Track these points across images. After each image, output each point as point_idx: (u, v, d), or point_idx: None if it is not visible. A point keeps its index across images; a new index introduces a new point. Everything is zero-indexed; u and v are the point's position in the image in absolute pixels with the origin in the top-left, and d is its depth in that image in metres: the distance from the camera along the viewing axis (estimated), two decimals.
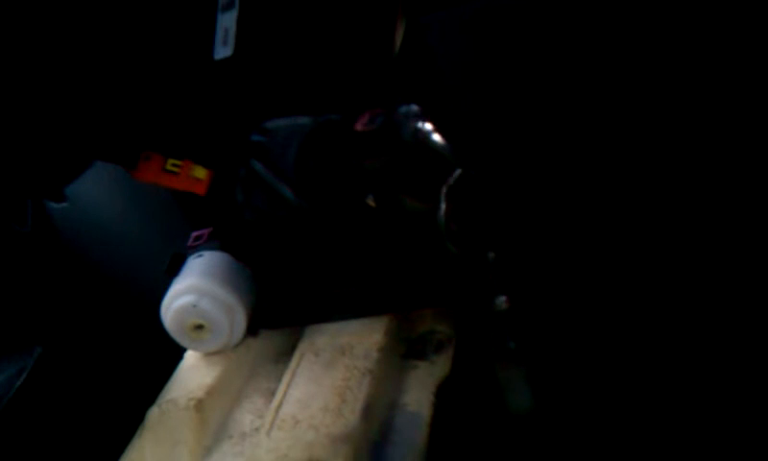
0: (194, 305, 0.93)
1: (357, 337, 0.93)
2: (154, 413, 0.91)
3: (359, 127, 0.72)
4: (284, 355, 0.97)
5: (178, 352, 0.98)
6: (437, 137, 0.68)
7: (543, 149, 0.98)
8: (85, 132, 0.84)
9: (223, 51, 0.82)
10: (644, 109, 0.99)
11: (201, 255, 0.97)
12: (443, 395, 0.87)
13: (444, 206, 0.66)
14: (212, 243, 0.98)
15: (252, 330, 0.97)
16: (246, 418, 0.91)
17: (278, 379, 0.93)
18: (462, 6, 0.99)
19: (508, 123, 0.99)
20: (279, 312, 0.98)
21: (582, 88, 0.99)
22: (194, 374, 0.95)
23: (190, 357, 0.98)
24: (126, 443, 0.92)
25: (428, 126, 0.69)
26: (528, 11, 0.98)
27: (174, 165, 0.88)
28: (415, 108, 0.70)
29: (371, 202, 0.74)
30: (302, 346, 0.95)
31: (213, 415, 0.91)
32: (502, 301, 0.68)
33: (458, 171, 0.66)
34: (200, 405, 0.90)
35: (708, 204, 0.97)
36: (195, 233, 1.00)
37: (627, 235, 0.94)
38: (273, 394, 0.92)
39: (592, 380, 0.86)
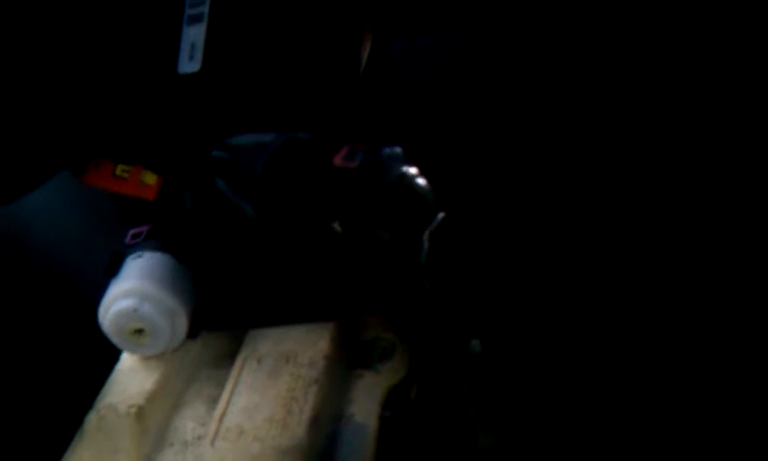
0: (135, 310, 0.90)
1: (301, 344, 0.93)
2: (92, 419, 0.89)
3: (338, 161, 0.71)
4: (225, 360, 0.95)
5: (113, 353, 0.95)
6: (422, 182, 0.68)
7: (509, 179, 0.99)
8: (47, 140, 0.80)
9: (189, 66, 0.79)
10: (618, 138, 1.00)
11: (140, 256, 0.94)
12: (390, 406, 0.87)
13: (426, 249, 0.66)
14: (152, 242, 0.95)
15: (192, 333, 0.95)
16: (188, 425, 0.90)
17: (220, 385, 0.92)
18: (430, 35, 0.99)
19: (473, 149, 1.00)
20: (221, 315, 0.97)
21: (549, 122, 1.00)
22: (133, 377, 0.93)
23: (127, 359, 0.95)
24: (62, 449, 0.89)
25: (413, 170, 0.69)
26: (496, 46, 0.99)
27: (124, 171, 0.86)
28: (399, 150, 0.70)
29: (336, 227, 0.73)
30: (244, 351, 0.94)
31: (154, 422, 0.89)
32: (476, 344, 0.69)
33: (440, 215, 0.66)
34: (140, 412, 0.88)
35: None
36: (133, 230, 0.97)
37: (608, 278, 0.96)
38: (214, 400, 0.91)
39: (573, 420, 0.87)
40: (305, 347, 0.92)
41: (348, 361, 0.93)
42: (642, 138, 1.02)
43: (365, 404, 0.88)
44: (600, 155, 1.01)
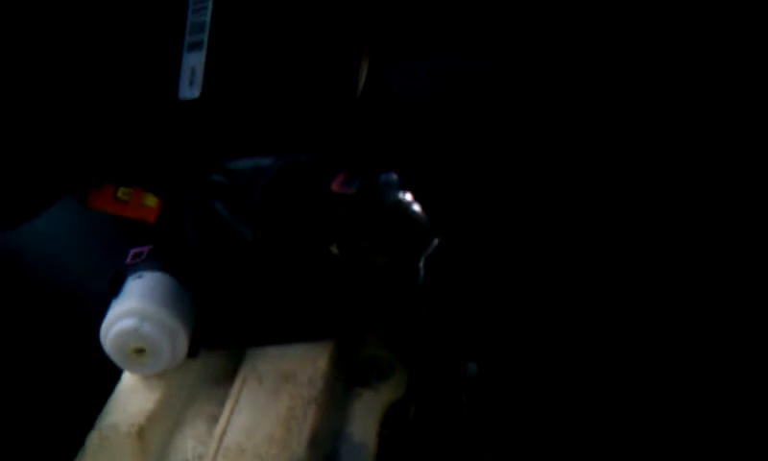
0: (135, 329, 0.91)
1: (300, 363, 0.94)
2: (94, 439, 0.89)
3: (335, 186, 0.72)
4: (225, 379, 0.96)
5: (115, 372, 0.96)
6: (417, 208, 0.69)
7: (505, 203, 1.00)
8: (50, 165, 0.82)
9: (190, 92, 0.80)
10: (613, 171, 1.02)
11: (141, 276, 0.95)
12: (389, 424, 0.88)
13: (422, 275, 0.67)
14: (153, 263, 0.96)
15: (192, 352, 0.96)
16: (188, 444, 0.91)
17: (220, 404, 0.93)
18: (425, 61, 1.00)
19: (469, 173, 1.01)
20: (221, 334, 0.98)
21: (546, 149, 1.02)
22: (134, 397, 0.93)
23: (128, 379, 0.96)
24: None
25: (408, 196, 0.70)
26: (490, 71, 1.00)
27: (125, 193, 0.87)
28: (395, 176, 0.71)
29: (334, 250, 0.74)
30: (244, 371, 0.95)
31: (155, 441, 0.90)
32: (473, 367, 0.70)
33: (435, 241, 0.67)
34: (141, 431, 0.89)
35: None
36: (134, 251, 0.98)
37: (605, 302, 0.97)
38: (215, 419, 0.92)
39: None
40: (304, 366, 0.93)
41: (346, 379, 0.94)
42: (638, 172, 1.03)
43: (364, 423, 0.89)
44: (595, 183, 1.03)
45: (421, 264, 0.67)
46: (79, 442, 0.90)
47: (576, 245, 1.00)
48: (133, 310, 0.92)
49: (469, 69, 1.02)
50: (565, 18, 1.05)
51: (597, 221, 1.01)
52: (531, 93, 1.03)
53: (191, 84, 0.81)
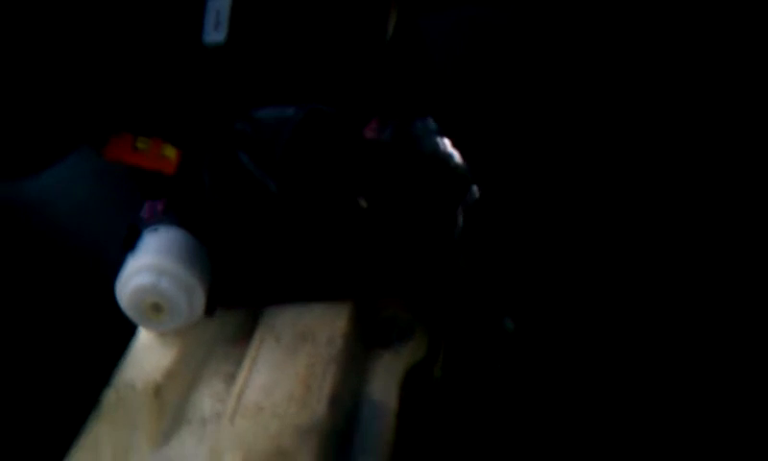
0: (153, 285, 0.89)
1: (319, 323, 0.92)
2: (110, 397, 0.88)
3: (368, 133, 0.70)
4: (242, 338, 0.95)
5: (131, 329, 0.94)
6: (456, 155, 0.67)
7: (536, 154, 0.99)
8: (67, 113, 0.79)
9: (215, 35, 0.78)
10: (640, 109, 1.00)
11: (157, 230, 0.93)
12: (410, 386, 0.87)
13: (461, 225, 0.65)
14: (169, 217, 0.94)
15: (209, 310, 0.94)
16: (206, 402, 0.90)
17: (237, 363, 0.91)
18: (456, 9, 0.99)
19: (499, 125, 0.99)
20: (238, 292, 0.96)
21: (573, 96, 1.00)
22: (150, 354, 0.92)
23: (144, 336, 0.94)
24: (80, 426, 0.88)
25: (448, 143, 0.68)
26: (519, 20, 0.99)
27: (143, 143, 0.85)
28: (432, 122, 0.69)
29: (362, 203, 0.72)
30: (262, 329, 0.93)
31: (172, 399, 0.89)
32: (509, 322, 0.68)
33: (475, 189, 0.65)
34: (158, 389, 0.87)
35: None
36: (149, 204, 0.96)
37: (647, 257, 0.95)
38: (232, 377, 0.90)
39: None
40: (323, 325, 0.91)
41: (366, 340, 0.93)
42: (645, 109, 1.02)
43: (384, 384, 0.88)
44: (631, 129, 1.01)
45: (460, 214, 0.65)
46: (94, 399, 0.88)
47: (612, 197, 0.98)
48: (150, 265, 0.90)
49: (489, 18, 1.01)
50: None
51: (633, 173, 1.00)
52: (542, 40, 1.02)
53: (216, 27, 0.78)
